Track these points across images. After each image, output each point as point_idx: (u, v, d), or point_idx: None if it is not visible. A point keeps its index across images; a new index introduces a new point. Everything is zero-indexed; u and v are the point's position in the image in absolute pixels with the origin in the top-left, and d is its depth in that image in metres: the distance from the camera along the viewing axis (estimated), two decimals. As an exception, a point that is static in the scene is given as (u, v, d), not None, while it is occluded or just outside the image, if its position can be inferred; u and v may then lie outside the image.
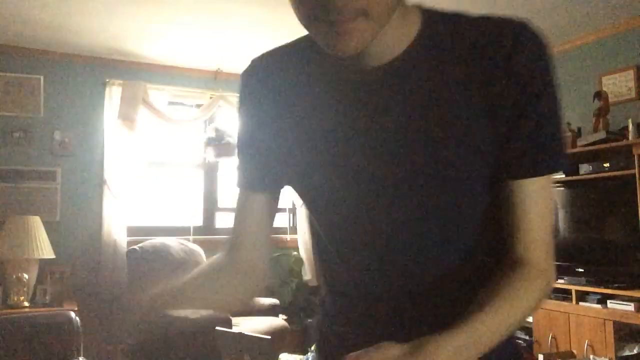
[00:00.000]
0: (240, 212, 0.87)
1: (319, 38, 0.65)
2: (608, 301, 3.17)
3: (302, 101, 0.78)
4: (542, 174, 0.71)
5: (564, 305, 3.43)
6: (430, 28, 0.72)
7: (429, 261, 0.75)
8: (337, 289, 0.85)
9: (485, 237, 0.76)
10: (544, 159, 0.70)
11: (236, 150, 0.88)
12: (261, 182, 0.85)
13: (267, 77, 0.81)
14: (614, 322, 3.09)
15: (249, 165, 0.86)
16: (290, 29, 1.10)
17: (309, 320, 4.37)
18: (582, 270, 3.49)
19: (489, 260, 0.76)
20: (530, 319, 3.65)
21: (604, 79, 3.72)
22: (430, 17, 0.73)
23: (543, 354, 3.24)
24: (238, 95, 0.87)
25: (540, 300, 0.72)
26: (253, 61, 0.85)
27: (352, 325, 0.83)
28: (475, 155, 0.70)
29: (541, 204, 0.72)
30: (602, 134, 3.37)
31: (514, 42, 0.68)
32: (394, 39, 0.70)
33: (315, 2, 0.61)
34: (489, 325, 0.64)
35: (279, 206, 0.91)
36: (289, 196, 2.70)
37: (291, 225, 4.87)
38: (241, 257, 0.86)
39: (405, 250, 0.75)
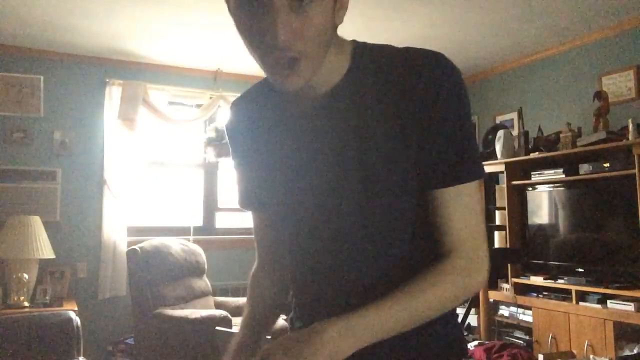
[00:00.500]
0: (255, 232, 1.05)
1: (269, 77, 0.78)
2: (608, 301, 3.17)
3: (267, 133, 0.92)
4: (456, 184, 0.81)
5: (564, 305, 3.43)
6: (359, 60, 0.84)
7: (369, 260, 0.84)
8: (297, 287, 0.97)
9: (417, 240, 0.85)
10: (457, 171, 0.80)
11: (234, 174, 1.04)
12: (251, 203, 1.02)
13: (243, 118, 0.97)
14: (614, 322, 3.09)
15: (241, 188, 1.02)
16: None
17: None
18: (582, 270, 3.49)
19: (422, 259, 0.84)
20: (530, 319, 3.66)
21: (604, 79, 3.72)
22: (360, 50, 0.85)
23: (543, 354, 3.24)
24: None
25: (459, 292, 0.80)
26: (232, 104, 1.00)
27: (309, 321, 0.89)
28: (401, 170, 0.80)
29: (462, 207, 0.81)
30: (602, 134, 3.36)
31: (428, 71, 0.79)
32: (330, 72, 0.83)
33: (265, 48, 0.73)
34: (386, 314, 0.73)
35: None
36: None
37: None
38: (266, 274, 1.05)
39: (348, 252, 0.85)
